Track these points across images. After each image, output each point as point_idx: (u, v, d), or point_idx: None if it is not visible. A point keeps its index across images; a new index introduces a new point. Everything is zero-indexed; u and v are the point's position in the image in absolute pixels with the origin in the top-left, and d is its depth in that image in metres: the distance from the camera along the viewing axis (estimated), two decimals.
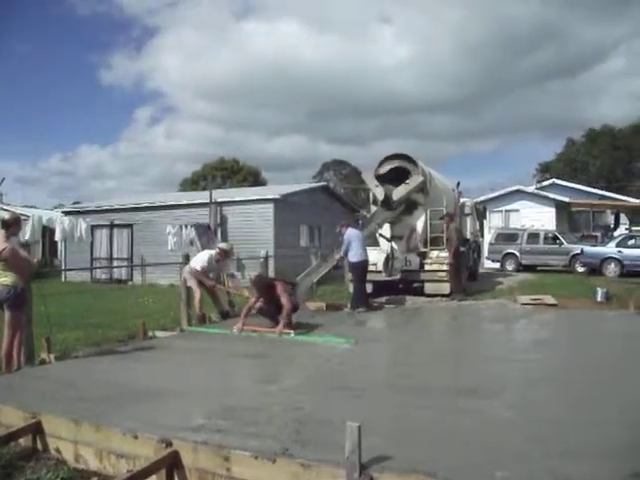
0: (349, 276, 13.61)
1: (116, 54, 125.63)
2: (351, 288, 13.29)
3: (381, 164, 15.05)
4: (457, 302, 13.51)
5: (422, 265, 14.43)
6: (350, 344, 8.60)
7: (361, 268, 12.69)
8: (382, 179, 14.81)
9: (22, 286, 7.13)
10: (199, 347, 8.75)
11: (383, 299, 14.04)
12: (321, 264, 13.50)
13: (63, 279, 24.88)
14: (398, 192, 14.31)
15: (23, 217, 9.66)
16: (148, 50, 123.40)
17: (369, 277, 13.29)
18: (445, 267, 14.12)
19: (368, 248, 13.26)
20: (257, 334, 9.56)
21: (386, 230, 14.72)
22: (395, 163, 14.88)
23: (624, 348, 8.35)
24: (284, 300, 9.58)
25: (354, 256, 12.56)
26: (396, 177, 14.72)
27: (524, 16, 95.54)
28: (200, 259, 11.32)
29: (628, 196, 34.29)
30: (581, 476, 3.53)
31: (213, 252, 11.37)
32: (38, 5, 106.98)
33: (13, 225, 7.19)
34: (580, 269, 21.63)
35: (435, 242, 14.71)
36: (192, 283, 10.98)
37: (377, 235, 14.50)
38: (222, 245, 11.63)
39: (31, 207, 35.35)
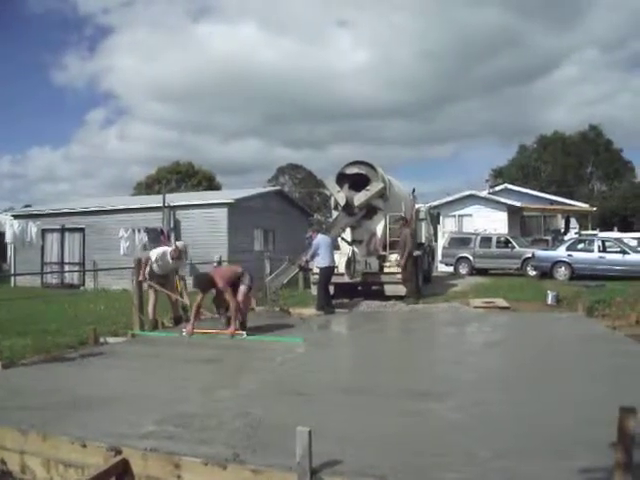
0: (314, 279, 14.04)
1: (69, 54, 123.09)
2: (314, 291, 13.82)
3: (344, 168, 15.45)
4: (408, 305, 13.70)
5: (382, 268, 14.73)
6: (300, 344, 8.83)
7: (327, 273, 13.15)
8: (345, 180, 15.25)
9: None
10: (150, 353, 8.66)
11: (339, 303, 14.09)
12: (289, 266, 14.21)
13: (12, 284, 24.23)
14: (359, 198, 14.79)
15: None
16: (102, 50, 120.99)
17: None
18: (399, 269, 14.35)
19: None
20: (209, 336, 9.61)
21: (347, 234, 15.13)
22: (356, 169, 15.21)
23: (572, 350, 8.59)
24: (229, 297, 9.53)
25: (321, 261, 13.06)
26: (355, 183, 15.14)
27: (481, 23, 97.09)
28: (155, 251, 11.35)
29: (578, 201, 35.11)
30: (531, 475, 3.61)
31: (169, 249, 11.33)
32: None
33: None
34: (532, 272, 21.97)
35: (394, 246, 15.00)
36: (147, 286, 11.01)
37: (339, 239, 14.77)
38: (178, 243, 11.65)
39: None
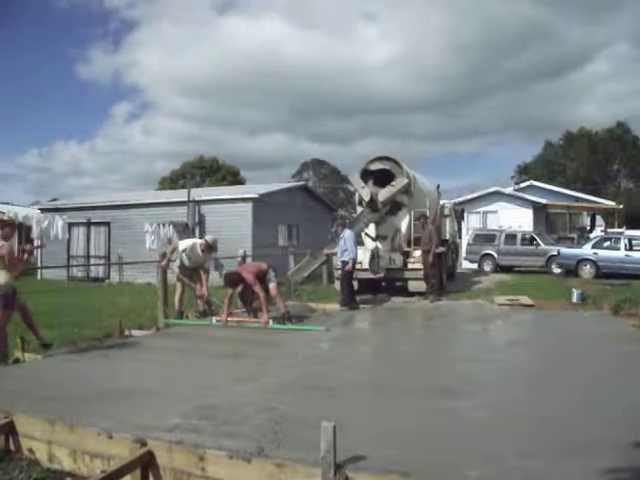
0: (338, 274, 14.02)
1: (94, 48, 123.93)
2: (338, 286, 13.79)
3: (369, 163, 15.38)
4: (431, 302, 13.62)
5: (405, 264, 14.67)
6: (323, 330, 9.56)
7: (353, 268, 13.12)
8: (370, 175, 15.20)
9: (13, 286, 7.16)
10: (175, 346, 8.72)
11: (363, 298, 14.08)
12: (311, 260, 14.02)
13: (39, 277, 24.56)
14: (383, 193, 14.71)
15: None
16: (126, 44, 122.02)
17: (354, 274, 13.67)
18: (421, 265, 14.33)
19: None
20: (237, 327, 10.17)
21: (371, 230, 15.05)
22: (381, 164, 15.12)
23: (597, 349, 8.46)
24: (258, 290, 10.24)
25: (345, 256, 13.00)
26: (380, 178, 15.08)
27: (511, 17, 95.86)
28: (185, 242, 11.62)
29: (604, 198, 34.67)
30: (554, 475, 3.58)
31: (199, 241, 11.46)
32: None
33: (7, 227, 7.30)
34: (556, 270, 21.79)
35: (418, 242, 14.90)
36: (176, 278, 11.27)
37: (363, 234, 14.76)
38: (209, 238, 11.62)
39: (6, 204, 34.77)
